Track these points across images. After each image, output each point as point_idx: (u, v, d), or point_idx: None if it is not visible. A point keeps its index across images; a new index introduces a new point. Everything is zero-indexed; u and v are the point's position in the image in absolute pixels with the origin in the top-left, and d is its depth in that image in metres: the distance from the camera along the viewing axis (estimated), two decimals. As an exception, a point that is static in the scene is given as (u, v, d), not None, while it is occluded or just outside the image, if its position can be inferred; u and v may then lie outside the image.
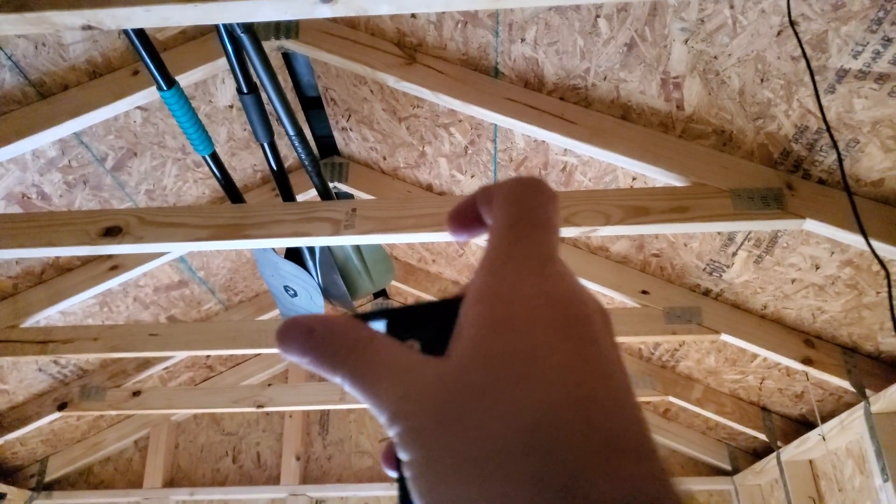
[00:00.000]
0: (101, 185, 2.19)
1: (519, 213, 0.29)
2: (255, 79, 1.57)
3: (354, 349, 0.27)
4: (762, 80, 1.49)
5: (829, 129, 1.38)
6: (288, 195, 1.87)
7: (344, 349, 0.27)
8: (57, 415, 2.89)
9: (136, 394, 2.89)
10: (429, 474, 0.24)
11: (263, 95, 1.63)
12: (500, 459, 0.22)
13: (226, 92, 2.11)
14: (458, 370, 0.25)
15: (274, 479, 3.52)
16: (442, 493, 0.23)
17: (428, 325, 0.29)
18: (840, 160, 1.46)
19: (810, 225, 1.61)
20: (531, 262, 0.27)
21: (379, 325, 0.29)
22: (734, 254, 2.02)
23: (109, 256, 2.35)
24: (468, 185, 2.26)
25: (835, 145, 1.44)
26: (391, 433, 0.25)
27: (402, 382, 0.25)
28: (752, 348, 2.17)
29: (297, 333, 0.28)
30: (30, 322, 2.38)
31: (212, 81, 2.06)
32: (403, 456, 0.25)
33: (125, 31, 1.32)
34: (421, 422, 0.24)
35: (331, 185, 2.41)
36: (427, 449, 0.24)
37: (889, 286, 1.47)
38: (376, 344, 0.27)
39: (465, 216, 0.32)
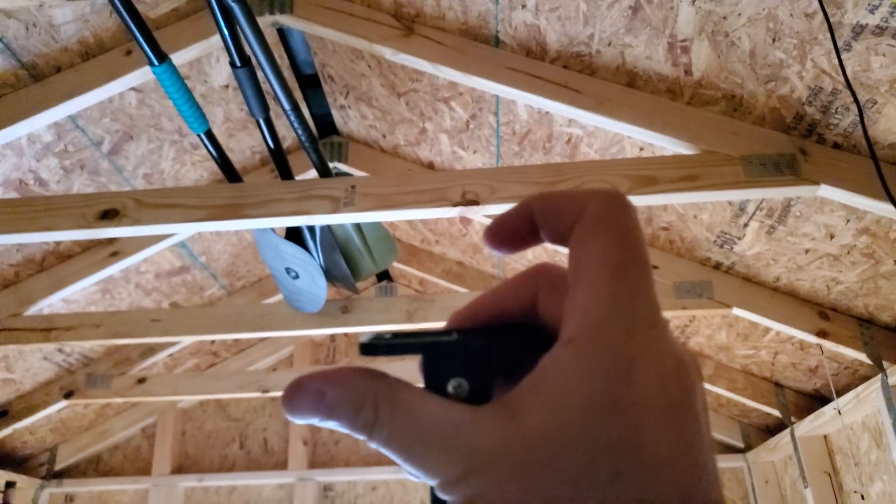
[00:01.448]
0: (99, 170, 2.16)
1: (623, 250, 0.24)
2: (248, 52, 1.52)
3: (380, 410, 0.23)
4: (774, 40, 1.44)
5: (849, 85, 1.32)
6: (286, 174, 1.83)
7: (365, 412, 0.23)
8: (64, 403, 2.88)
9: (142, 381, 2.87)
10: None
11: (260, 74, 1.58)
12: None
13: (221, 71, 2.06)
14: (543, 440, 0.21)
15: (281, 465, 3.51)
16: None
17: (474, 360, 0.24)
18: (861, 118, 1.40)
19: (825, 191, 1.56)
20: (641, 324, 0.23)
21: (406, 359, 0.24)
22: (746, 224, 1.96)
23: (110, 242, 2.32)
24: (470, 161, 2.21)
25: (856, 100, 1.38)
26: (448, 498, 0.22)
27: (454, 447, 0.22)
28: (764, 322, 2.13)
29: (307, 400, 0.24)
30: (33, 310, 2.36)
31: (206, 60, 2.01)
32: None
33: (112, 2, 1.27)
34: (488, 492, 0.21)
35: (330, 165, 2.37)
36: None
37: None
38: (403, 397, 0.24)
39: (514, 231, 0.27)
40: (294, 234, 2.08)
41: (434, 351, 0.25)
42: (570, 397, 0.21)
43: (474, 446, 0.21)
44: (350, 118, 2.34)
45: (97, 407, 3.37)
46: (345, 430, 0.24)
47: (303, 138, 1.64)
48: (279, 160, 1.74)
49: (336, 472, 3.43)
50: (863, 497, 2.25)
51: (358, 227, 2.15)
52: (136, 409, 3.54)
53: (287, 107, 1.56)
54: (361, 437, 0.24)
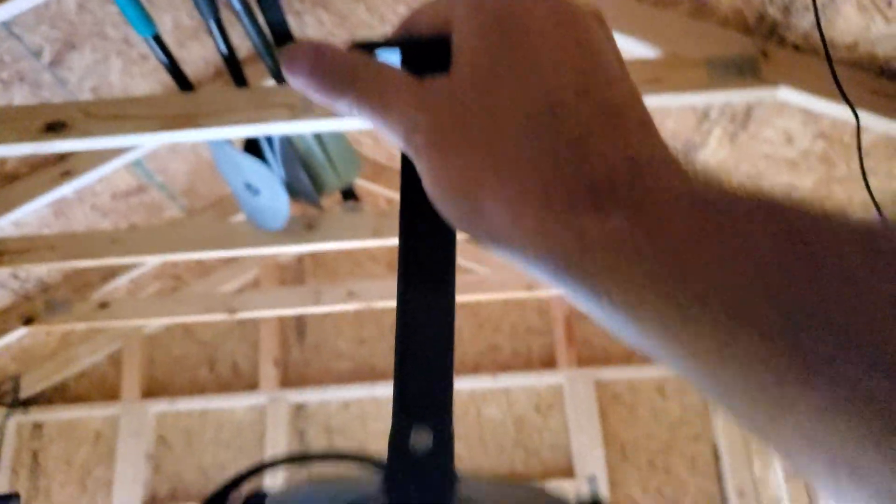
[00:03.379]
0: (40, 83, 2.06)
1: None
2: (193, -51, 1.44)
3: (364, 69, 0.27)
4: (739, -68, 1.40)
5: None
6: (241, 81, 1.76)
7: (352, 69, 0.27)
8: (24, 330, 2.83)
9: (104, 305, 2.83)
10: (446, 176, 0.25)
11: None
12: (516, 141, 0.24)
13: (168, -24, 1.96)
14: (470, 73, 0.26)
15: (252, 387, 3.53)
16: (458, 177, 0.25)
17: (444, 52, 0.28)
18: (817, 17, 1.39)
19: (784, 93, 1.56)
20: None
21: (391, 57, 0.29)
22: (709, 131, 1.97)
23: (60, 159, 2.24)
24: (433, 70, 2.16)
25: (813, 2, 1.36)
26: (408, 148, 0.26)
27: (414, 95, 0.26)
28: (725, 228, 2.16)
29: (305, 55, 0.27)
30: (-18, 235, 2.29)
31: (151, -37, 1.91)
32: (422, 165, 0.26)
33: None
34: (439, 125, 0.25)
35: (289, 77, 2.29)
36: (445, 153, 0.25)
37: (859, 147, 1.44)
38: (384, 66, 0.28)
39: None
40: (253, 147, 2.03)
41: (406, 47, 0.29)
42: (474, 36, 0.26)
43: (428, 94, 0.26)
44: (307, 24, 2.25)
45: (60, 334, 3.33)
46: (326, 91, 0.27)
47: (256, 41, 1.58)
48: (233, 66, 1.68)
49: (308, 392, 3.46)
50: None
51: (319, 139, 2.10)
52: (100, 336, 3.51)
53: (238, 7, 1.50)
54: (342, 97, 0.27)
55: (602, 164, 0.23)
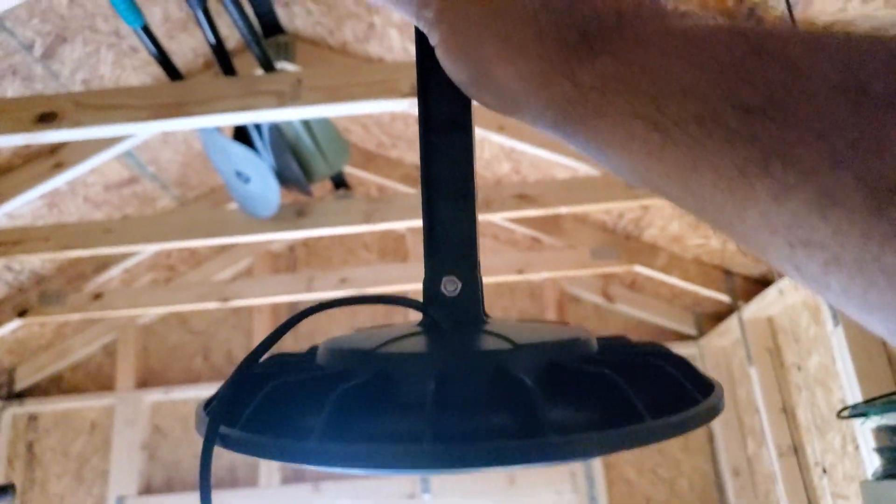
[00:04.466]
0: (33, 76, 2.06)
1: None
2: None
3: None
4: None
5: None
6: (230, 71, 1.77)
7: None
8: (18, 322, 2.84)
9: (98, 296, 2.84)
10: (455, 44, 0.29)
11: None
12: (513, 1, 0.27)
13: (155, -34, 1.96)
14: None
15: (248, 374, 3.54)
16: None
17: None
18: (788, 5, 1.41)
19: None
20: None
21: None
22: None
23: (52, 152, 2.24)
24: (421, 56, 2.17)
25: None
26: (420, 23, 0.30)
27: None
28: (712, 209, 2.18)
29: None
30: (-24, 228, 2.29)
31: (138, -47, 1.91)
32: (434, 38, 0.30)
33: None
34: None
35: (277, 66, 2.30)
36: (452, 23, 0.29)
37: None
38: None
39: None
40: (242, 136, 2.04)
41: None
42: None
43: None
44: (295, 14, 2.26)
45: (54, 326, 3.35)
46: None
47: (244, 31, 1.59)
48: (221, 55, 1.69)
49: (301, 379, 3.48)
50: (799, 368, 2.39)
51: (308, 126, 2.11)
52: (94, 327, 3.52)
53: (225, -5, 1.50)
54: None
55: (591, 11, 0.26)
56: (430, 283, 0.33)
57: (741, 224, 0.21)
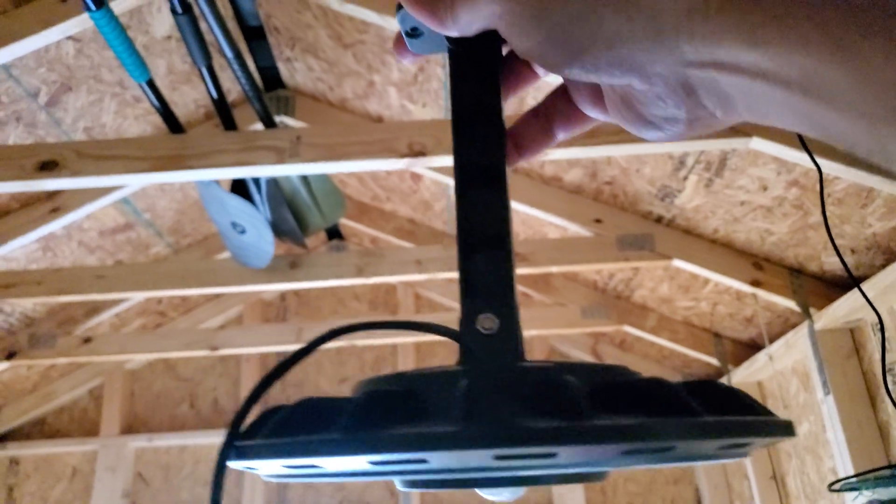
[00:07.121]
0: (36, 122, 2.09)
1: None
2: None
3: None
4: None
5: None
6: (230, 125, 1.81)
7: None
8: (6, 365, 2.82)
9: (87, 341, 2.83)
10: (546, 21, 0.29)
11: (203, 25, 1.56)
12: None
13: (163, 21, 2.02)
14: None
15: (234, 423, 3.50)
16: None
17: None
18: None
19: (756, 143, 1.62)
20: None
21: None
22: (685, 178, 2.03)
23: (49, 197, 2.26)
24: (420, 114, 2.22)
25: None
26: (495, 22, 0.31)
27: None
28: (703, 273, 2.21)
29: None
30: (-31, 269, 2.29)
31: (147, 9, 1.96)
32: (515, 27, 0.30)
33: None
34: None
35: (277, 120, 2.34)
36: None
37: (822, 198, 1.49)
38: None
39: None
40: (239, 188, 2.06)
41: None
42: None
43: None
44: (296, 70, 2.31)
45: (41, 369, 3.31)
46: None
47: (245, 87, 1.63)
48: (222, 110, 1.72)
49: (288, 430, 3.44)
50: (789, 436, 2.38)
51: (305, 180, 2.14)
52: (81, 371, 3.49)
53: (229, 55, 1.55)
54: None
55: None
56: (466, 319, 0.32)
57: (862, 108, 0.22)
